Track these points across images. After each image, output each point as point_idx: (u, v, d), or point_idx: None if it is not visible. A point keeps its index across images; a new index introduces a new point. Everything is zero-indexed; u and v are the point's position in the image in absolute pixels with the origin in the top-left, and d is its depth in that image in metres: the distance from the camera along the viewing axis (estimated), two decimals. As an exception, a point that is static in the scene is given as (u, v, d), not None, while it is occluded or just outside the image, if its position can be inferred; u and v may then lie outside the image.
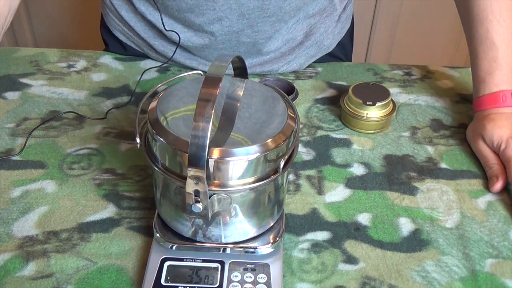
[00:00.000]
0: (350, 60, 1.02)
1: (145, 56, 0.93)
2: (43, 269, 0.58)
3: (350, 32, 0.99)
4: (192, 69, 0.90)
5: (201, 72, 0.60)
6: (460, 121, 0.82)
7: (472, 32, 0.78)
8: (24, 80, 0.86)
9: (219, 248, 0.56)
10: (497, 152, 0.72)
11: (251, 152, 0.49)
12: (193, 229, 0.55)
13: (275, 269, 0.56)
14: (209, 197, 0.49)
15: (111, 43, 0.96)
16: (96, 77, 0.88)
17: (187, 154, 0.46)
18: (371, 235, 0.63)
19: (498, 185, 0.69)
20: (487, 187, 0.70)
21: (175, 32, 0.85)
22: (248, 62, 0.88)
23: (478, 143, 0.74)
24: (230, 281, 0.54)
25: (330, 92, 0.87)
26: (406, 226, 0.64)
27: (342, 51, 0.98)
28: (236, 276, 0.55)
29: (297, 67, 0.91)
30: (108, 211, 0.65)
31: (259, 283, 0.54)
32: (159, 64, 0.92)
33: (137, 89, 0.85)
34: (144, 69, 0.90)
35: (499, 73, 0.75)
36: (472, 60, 0.79)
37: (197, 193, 0.48)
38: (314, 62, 0.94)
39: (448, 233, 0.63)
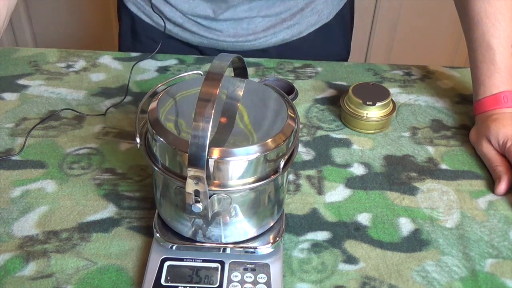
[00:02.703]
0: (347, 34, 1.05)
1: (145, 57, 0.93)
2: (43, 269, 0.57)
3: (351, 4, 1.03)
4: (187, 43, 0.93)
5: (201, 72, 0.60)
6: (461, 122, 0.82)
7: (470, 35, 0.78)
8: (22, 81, 0.86)
9: (219, 248, 0.56)
10: (502, 151, 0.72)
11: (251, 152, 0.49)
12: (193, 229, 0.55)
13: (275, 269, 0.56)
14: (209, 197, 0.49)
15: (124, 20, 0.99)
16: (95, 77, 0.88)
17: (187, 154, 0.46)
18: (371, 235, 0.63)
19: (502, 187, 0.68)
20: (488, 187, 0.70)
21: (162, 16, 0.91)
22: (251, 28, 0.92)
23: (483, 145, 0.74)
24: (230, 281, 0.54)
25: (330, 92, 0.87)
26: (406, 226, 0.64)
27: (341, 21, 1.00)
28: (236, 276, 0.55)
29: (296, 33, 0.95)
30: (108, 211, 0.65)
31: (259, 283, 0.54)
32: (159, 61, 0.92)
33: (136, 89, 0.85)
34: (144, 69, 0.90)
35: (498, 75, 0.75)
36: (471, 63, 0.79)
37: (197, 193, 0.48)
38: (314, 60, 0.94)
39: (448, 233, 0.63)
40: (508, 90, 0.75)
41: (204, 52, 0.98)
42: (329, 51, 1.01)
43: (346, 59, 1.07)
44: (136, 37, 0.99)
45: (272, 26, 0.92)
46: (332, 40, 1.00)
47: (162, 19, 0.92)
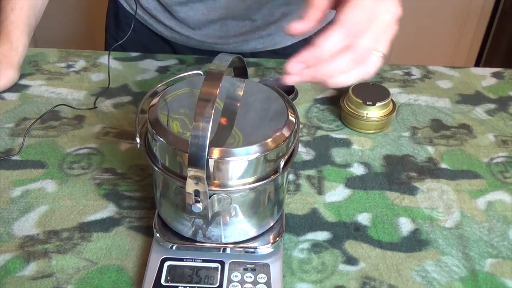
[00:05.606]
0: None
1: (144, 57, 0.94)
2: (44, 269, 0.58)
3: None
4: (161, 37, 0.93)
5: (201, 72, 0.60)
6: (461, 122, 0.82)
7: None
8: (22, 81, 0.86)
9: (219, 248, 0.56)
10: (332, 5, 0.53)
11: (251, 152, 0.49)
12: (193, 229, 0.55)
13: (275, 269, 0.56)
14: (209, 197, 0.49)
15: (111, 7, 0.98)
16: (95, 77, 0.88)
17: (187, 154, 0.46)
18: (371, 235, 0.63)
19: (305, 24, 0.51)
20: (488, 187, 0.70)
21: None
22: (223, 31, 0.90)
23: None
24: (230, 281, 0.54)
25: (330, 92, 0.87)
26: (406, 226, 0.64)
27: None
28: (236, 276, 0.55)
29: (270, 44, 0.93)
30: (109, 210, 0.65)
31: (259, 283, 0.54)
32: (159, 61, 0.92)
33: (136, 89, 0.86)
34: (144, 69, 0.90)
35: None
36: None
37: (197, 193, 0.48)
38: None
39: (448, 233, 0.63)
40: None
41: (176, 48, 0.97)
42: None
43: None
44: (119, 25, 0.99)
45: (244, 33, 0.89)
46: None
47: (135, 4, 0.91)
